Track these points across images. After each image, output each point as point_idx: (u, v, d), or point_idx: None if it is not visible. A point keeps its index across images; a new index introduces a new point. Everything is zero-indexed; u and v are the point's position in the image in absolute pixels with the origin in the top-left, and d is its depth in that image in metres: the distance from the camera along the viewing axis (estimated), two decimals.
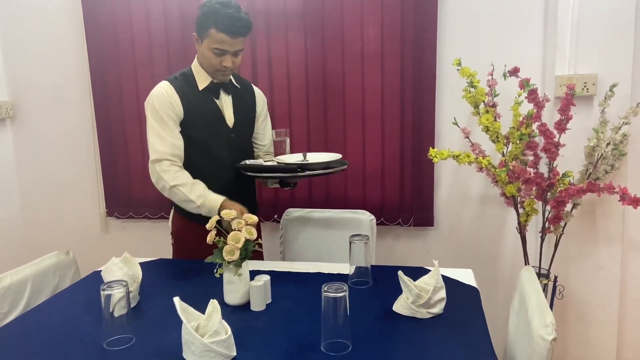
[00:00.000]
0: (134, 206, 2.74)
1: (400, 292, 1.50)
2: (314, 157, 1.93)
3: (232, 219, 1.52)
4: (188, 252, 2.00)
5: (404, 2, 2.30)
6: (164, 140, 1.82)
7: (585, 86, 2.12)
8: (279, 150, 1.97)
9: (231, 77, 1.96)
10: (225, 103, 1.94)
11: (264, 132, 2.11)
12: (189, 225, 1.94)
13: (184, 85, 1.87)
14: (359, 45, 2.38)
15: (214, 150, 1.90)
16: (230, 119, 1.94)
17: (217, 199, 1.79)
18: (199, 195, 1.79)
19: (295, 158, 1.92)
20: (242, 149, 2.00)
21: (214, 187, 1.85)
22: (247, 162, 1.96)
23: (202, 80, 1.89)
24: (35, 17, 2.72)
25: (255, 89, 2.09)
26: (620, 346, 2.31)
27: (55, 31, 2.71)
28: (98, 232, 2.86)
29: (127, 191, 2.73)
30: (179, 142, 1.85)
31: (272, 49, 2.45)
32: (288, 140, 1.97)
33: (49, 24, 2.71)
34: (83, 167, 2.81)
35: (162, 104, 1.83)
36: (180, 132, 1.87)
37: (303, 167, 1.81)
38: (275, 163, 1.90)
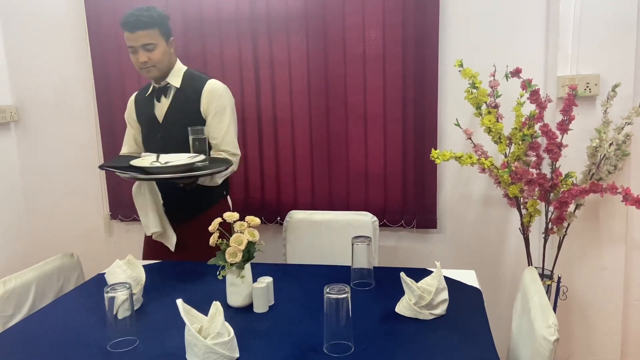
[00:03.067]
0: None
1: (402, 293, 1.50)
2: (172, 158, 1.86)
3: (235, 221, 1.53)
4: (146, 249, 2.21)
5: (405, 3, 2.30)
6: (127, 145, 2.22)
7: (587, 86, 2.12)
8: (192, 148, 1.92)
9: (177, 80, 2.03)
10: (163, 105, 2.06)
11: (215, 129, 2.01)
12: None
13: (141, 93, 2.16)
14: (361, 47, 2.38)
15: (147, 150, 2.09)
16: (160, 119, 2.07)
17: None
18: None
19: (150, 158, 1.87)
20: (174, 149, 1.95)
21: (151, 186, 2.04)
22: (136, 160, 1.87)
23: (150, 87, 2.11)
24: (39, 22, 2.73)
25: (208, 85, 2.03)
26: (624, 346, 2.30)
27: (59, 36, 2.72)
28: (102, 235, 2.88)
29: (131, 194, 2.73)
30: (134, 143, 2.21)
31: (274, 52, 2.46)
32: (200, 137, 1.90)
33: (53, 28, 2.72)
34: (87, 170, 2.82)
35: (126, 110, 2.20)
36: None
37: (139, 169, 1.77)
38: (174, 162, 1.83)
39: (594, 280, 2.25)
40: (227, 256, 1.46)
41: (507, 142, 2.04)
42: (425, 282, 1.53)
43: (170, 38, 2.01)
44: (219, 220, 1.53)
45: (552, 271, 2.16)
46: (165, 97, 2.06)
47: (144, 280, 1.60)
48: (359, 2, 2.34)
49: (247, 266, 1.52)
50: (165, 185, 2.05)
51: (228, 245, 1.48)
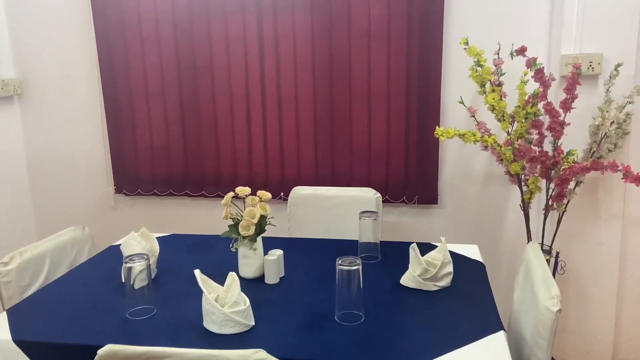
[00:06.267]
0: (142, 183, 2.78)
1: (408, 266, 1.55)
2: None
3: (247, 196, 1.56)
4: None
5: None
6: None
7: (590, 65, 2.15)
8: None
9: None
10: None
11: None
12: None
13: None
14: (366, 23, 2.39)
15: None
16: None
17: None
18: None
19: None
20: None
21: None
22: None
23: None
24: None
25: None
26: (618, 319, 2.38)
27: (63, 9, 2.70)
28: (107, 209, 2.91)
29: (135, 168, 2.77)
30: None
31: (278, 27, 2.46)
32: None
33: (56, 1, 2.70)
34: (91, 144, 2.83)
35: None
36: None
37: None
38: None
39: (591, 256, 2.31)
40: (240, 229, 1.50)
41: (510, 120, 2.07)
42: (431, 255, 1.58)
43: None
44: (231, 194, 1.57)
45: (550, 246, 2.22)
46: None
47: (157, 251, 1.64)
48: None
49: (259, 239, 1.56)
50: None
51: (240, 219, 1.52)
